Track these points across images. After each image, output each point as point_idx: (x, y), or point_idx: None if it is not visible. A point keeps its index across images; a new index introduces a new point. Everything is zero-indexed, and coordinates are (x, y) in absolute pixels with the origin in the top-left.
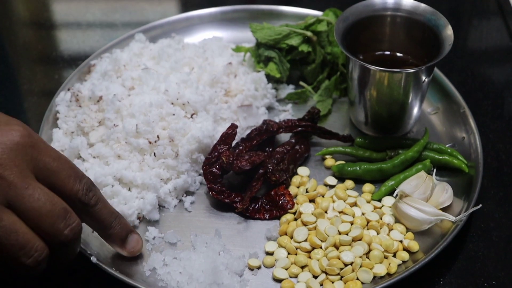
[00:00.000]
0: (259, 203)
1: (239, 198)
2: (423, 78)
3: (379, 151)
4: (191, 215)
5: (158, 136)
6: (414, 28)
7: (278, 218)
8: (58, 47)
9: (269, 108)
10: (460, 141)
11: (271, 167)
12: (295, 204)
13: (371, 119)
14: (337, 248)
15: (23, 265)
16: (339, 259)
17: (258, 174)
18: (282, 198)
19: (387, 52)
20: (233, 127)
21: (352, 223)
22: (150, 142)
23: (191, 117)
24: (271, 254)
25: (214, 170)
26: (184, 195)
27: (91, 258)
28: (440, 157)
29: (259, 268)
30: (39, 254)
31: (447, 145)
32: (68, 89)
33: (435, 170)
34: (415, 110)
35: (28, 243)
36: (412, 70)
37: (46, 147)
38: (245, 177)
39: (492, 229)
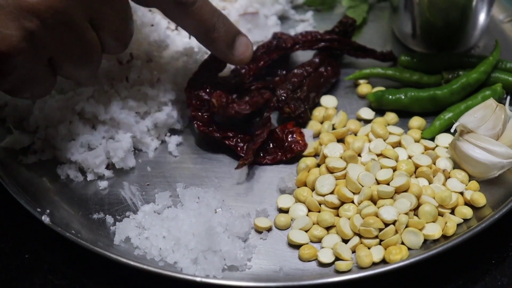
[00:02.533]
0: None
1: (232, 133)
2: None
3: (431, 73)
4: (178, 160)
5: (131, 55)
6: None
7: (284, 162)
8: None
9: (282, 18)
10: None
11: (284, 94)
12: (319, 145)
13: (421, 30)
14: (375, 203)
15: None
16: (377, 216)
17: (264, 118)
18: (289, 137)
19: None
20: None
21: (394, 169)
22: (120, 63)
23: (176, 28)
24: (286, 211)
25: (202, 93)
26: (168, 134)
27: (43, 218)
28: None
29: (269, 230)
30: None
31: None
32: None
33: (508, 97)
34: (482, 17)
35: (97, 58)
36: None
37: None
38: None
39: None
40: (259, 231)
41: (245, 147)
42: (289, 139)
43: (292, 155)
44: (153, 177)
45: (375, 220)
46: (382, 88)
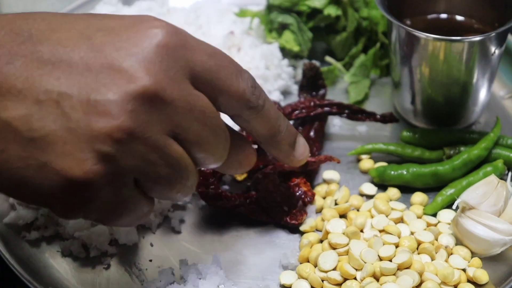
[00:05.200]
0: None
1: (240, 200)
2: (493, 49)
3: (433, 148)
4: (181, 237)
5: None
6: None
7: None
8: None
9: (285, 93)
10: None
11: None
12: (322, 221)
13: (422, 106)
14: (377, 280)
15: (177, 191)
16: None
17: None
18: (297, 190)
19: (443, 15)
20: None
21: (397, 246)
22: None
23: None
24: (289, 287)
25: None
26: (171, 209)
27: None
28: None
29: None
30: (193, 185)
31: None
32: None
33: (510, 174)
34: (483, 94)
35: (192, 176)
36: (477, 38)
37: (197, 42)
38: None
39: None
40: None
41: (256, 207)
42: (297, 193)
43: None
44: (156, 253)
45: None
46: (384, 164)
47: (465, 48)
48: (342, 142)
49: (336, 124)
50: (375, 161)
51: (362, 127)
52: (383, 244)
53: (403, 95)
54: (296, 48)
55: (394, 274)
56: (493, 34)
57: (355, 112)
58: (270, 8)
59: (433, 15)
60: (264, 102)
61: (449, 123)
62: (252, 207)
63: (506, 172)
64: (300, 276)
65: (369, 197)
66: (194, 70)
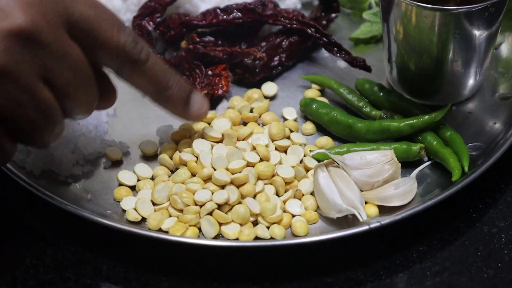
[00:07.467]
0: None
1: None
2: (476, 27)
3: (377, 107)
4: None
5: None
6: None
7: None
8: None
9: (306, 4)
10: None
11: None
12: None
13: (397, 70)
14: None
15: (41, 138)
16: (193, 195)
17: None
18: (216, 79)
19: None
20: None
21: (254, 166)
22: None
23: None
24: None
25: (145, 23)
26: None
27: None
28: (439, 149)
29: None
30: (58, 134)
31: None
32: None
33: (427, 163)
34: (463, 75)
35: (58, 124)
36: (452, 10)
37: None
38: None
39: None
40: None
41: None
42: (215, 81)
43: (212, 96)
44: None
45: (188, 196)
46: (322, 99)
47: (437, 18)
48: (315, 68)
49: (324, 52)
50: (329, 97)
51: (342, 63)
52: (238, 159)
53: (385, 49)
54: None
55: (222, 187)
56: (475, 9)
57: (330, 44)
58: None
59: None
60: (147, 56)
61: (420, 96)
62: None
63: (426, 159)
64: (163, 152)
65: (285, 120)
66: (72, 18)
